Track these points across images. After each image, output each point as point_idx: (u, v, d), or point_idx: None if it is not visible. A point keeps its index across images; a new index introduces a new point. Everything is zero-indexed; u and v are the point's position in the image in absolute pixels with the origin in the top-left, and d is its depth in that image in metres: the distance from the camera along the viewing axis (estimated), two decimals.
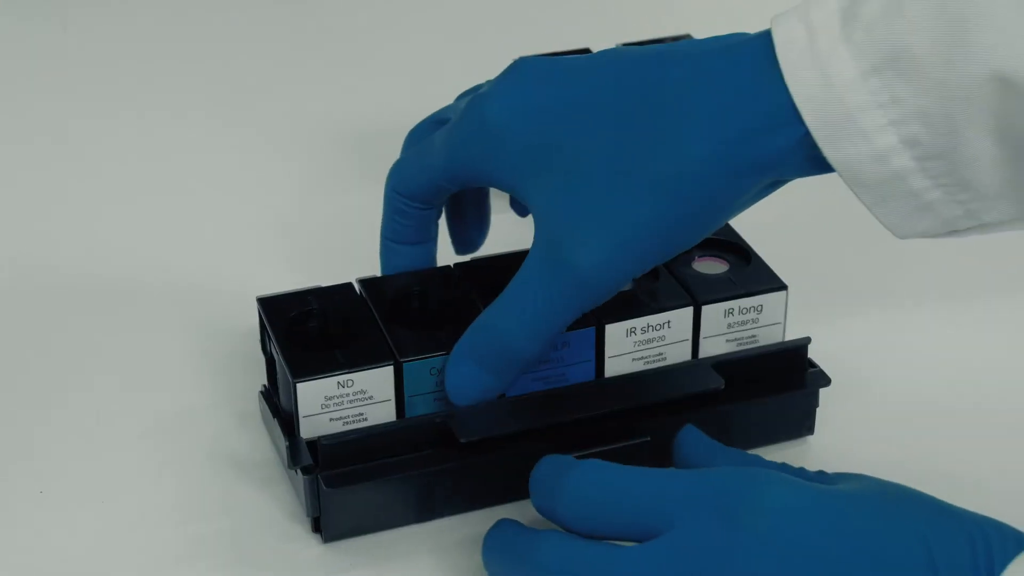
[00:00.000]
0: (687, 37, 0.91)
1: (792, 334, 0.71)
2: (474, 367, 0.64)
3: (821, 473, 0.61)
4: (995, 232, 0.62)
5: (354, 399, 0.65)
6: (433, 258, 0.71)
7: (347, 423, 0.65)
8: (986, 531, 0.54)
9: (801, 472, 0.60)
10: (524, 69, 0.65)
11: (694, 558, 0.55)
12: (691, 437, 0.63)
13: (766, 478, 0.57)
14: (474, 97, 0.66)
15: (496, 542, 0.61)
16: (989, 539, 0.54)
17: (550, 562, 0.58)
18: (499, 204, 0.75)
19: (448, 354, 0.65)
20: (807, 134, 0.59)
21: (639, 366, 0.69)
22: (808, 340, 0.70)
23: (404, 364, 0.65)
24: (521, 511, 0.65)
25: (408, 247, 0.70)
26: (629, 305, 0.69)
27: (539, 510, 0.61)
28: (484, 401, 0.65)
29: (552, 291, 0.62)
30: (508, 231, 0.76)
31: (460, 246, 0.74)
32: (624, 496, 0.58)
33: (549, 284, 0.62)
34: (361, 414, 0.65)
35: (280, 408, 0.67)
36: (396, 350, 0.65)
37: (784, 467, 0.61)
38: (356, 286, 0.70)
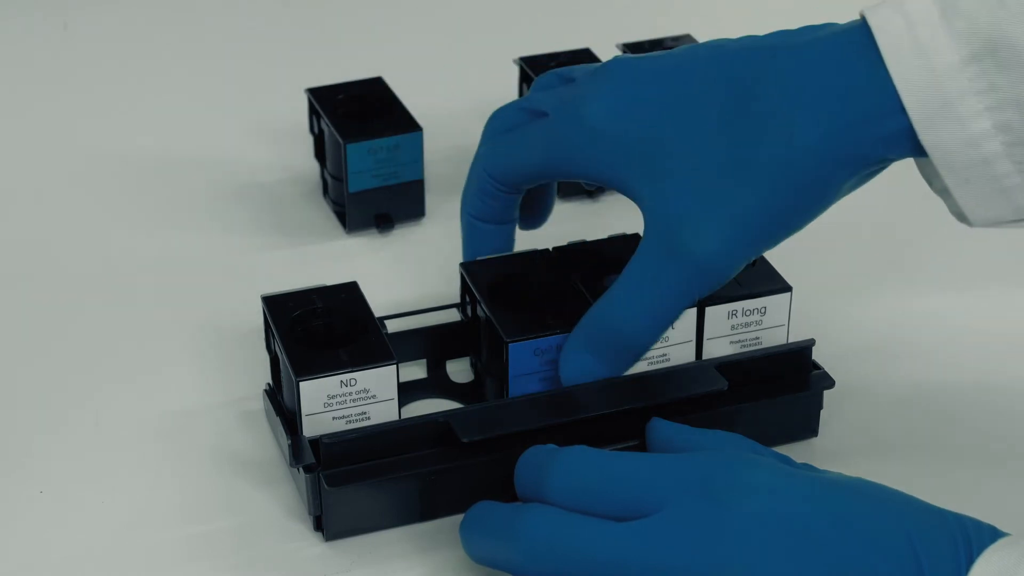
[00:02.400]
0: (687, 37, 0.91)
1: (796, 336, 0.71)
2: (589, 357, 0.67)
3: (807, 465, 0.62)
4: None
5: (357, 398, 0.65)
6: (512, 238, 0.74)
7: (350, 422, 0.65)
8: (964, 524, 0.56)
9: (786, 459, 0.62)
10: (621, 68, 0.67)
11: (683, 536, 0.57)
12: (660, 426, 0.65)
13: (751, 461, 0.59)
14: (573, 97, 0.67)
15: (477, 521, 0.63)
16: (967, 532, 0.55)
17: (536, 535, 0.59)
18: None
19: None
20: (911, 123, 0.61)
21: (643, 367, 0.69)
22: (812, 342, 0.70)
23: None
24: None
25: (491, 226, 0.72)
26: None
27: (525, 499, 0.62)
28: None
29: (669, 280, 0.65)
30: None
31: (526, 223, 0.76)
32: (613, 478, 0.60)
33: (666, 273, 0.65)
34: (364, 413, 0.65)
35: (283, 406, 0.67)
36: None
37: (755, 446, 0.63)
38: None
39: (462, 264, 0.72)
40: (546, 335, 0.68)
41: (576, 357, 0.67)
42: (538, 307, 0.69)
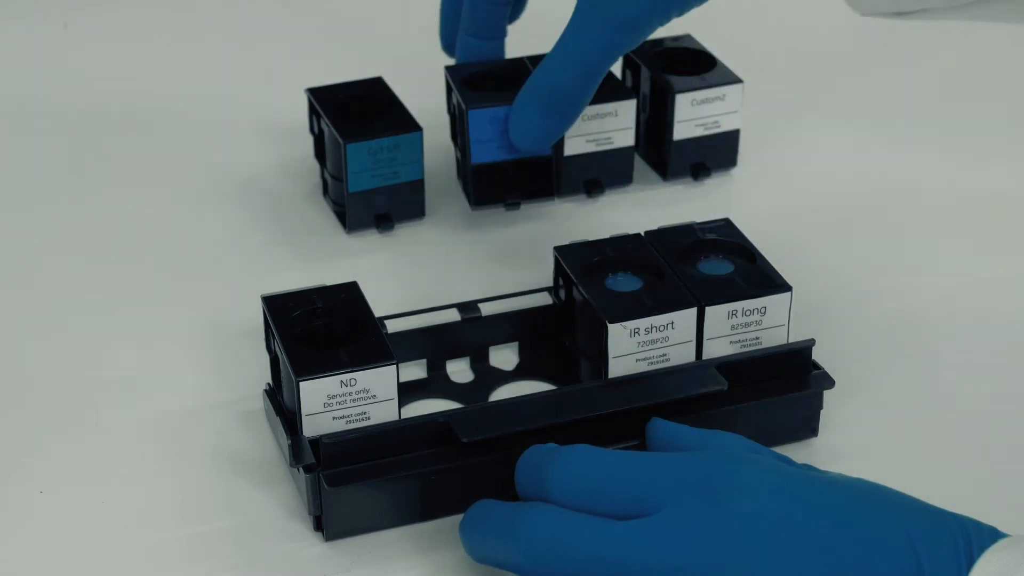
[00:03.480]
0: (687, 38, 0.91)
1: (796, 336, 0.71)
2: (536, 113, 0.77)
3: (807, 466, 0.62)
4: (936, 18, 0.68)
5: (357, 398, 0.65)
6: (503, 53, 0.85)
7: (350, 422, 0.65)
8: (965, 525, 0.56)
9: (786, 460, 0.62)
10: None
11: (684, 536, 0.57)
12: (660, 426, 0.65)
13: (752, 461, 0.59)
14: None
15: (477, 520, 0.63)
16: (968, 533, 0.55)
17: (537, 534, 0.59)
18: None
19: None
20: None
21: (643, 367, 0.69)
22: (812, 342, 0.70)
23: None
24: None
25: (482, 41, 0.84)
26: (633, 306, 0.69)
27: (526, 498, 0.62)
28: (544, 145, 0.78)
29: (595, 36, 0.74)
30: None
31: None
32: (614, 477, 0.60)
33: (596, 31, 0.74)
34: (364, 413, 0.65)
35: (283, 406, 0.67)
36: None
37: (756, 447, 0.63)
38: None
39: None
40: (502, 105, 0.78)
41: (522, 112, 0.77)
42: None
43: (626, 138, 0.86)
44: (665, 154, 0.88)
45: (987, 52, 0.88)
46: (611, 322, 0.68)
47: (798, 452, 0.69)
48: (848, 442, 0.70)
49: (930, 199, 0.88)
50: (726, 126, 0.88)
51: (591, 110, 0.84)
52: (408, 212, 0.84)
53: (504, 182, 0.81)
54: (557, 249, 0.73)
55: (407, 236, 0.84)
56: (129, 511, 0.67)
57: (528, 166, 0.81)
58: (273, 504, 0.67)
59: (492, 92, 0.81)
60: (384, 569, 0.64)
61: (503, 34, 0.84)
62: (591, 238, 0.74)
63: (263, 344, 0.70)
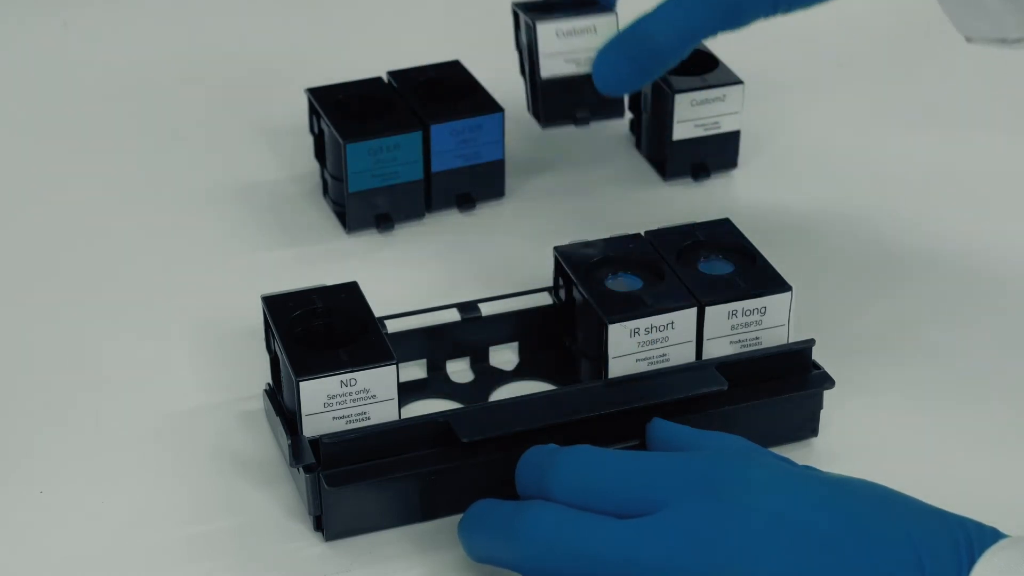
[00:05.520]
0: None
1: (796, 336, 0.71)
2: (622, 59, 0.77)
3: (809, 468, 0.62)
4: None
5: (357, 398, 0.65)
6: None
7: (350, 422, 0.65)
8: (966, 526, 0.56)
9: (786, 460, 0.62)
10: None
11: (686, 534, 0.57)
12: (660, 426, 0.65)
13: (754, 461, 0.59)
14: None
15: (477, 519, 0.63)
16: (969, 533, 0.56)
17: (537, 533, 0.59)
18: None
19: None
20: None
21: (642, 367, 0.69)
22: (812, 342, 0.70)
23: None
24: None
25: None
26: (633, 305, 0.69)
27: (527, 499, 0.62)
28: (622, 92, 0.80)
29: (701, 10, 0.75)
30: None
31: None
32: (616, 476, 0.60)
33: (699, 5, 0.75)
34: (364, 413, 0.65)
35: (283, 406, 0.67)
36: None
37: (756, 448, 0.63)
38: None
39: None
40: (467, 118, 0.83)
41: (610, 58, 0.78)
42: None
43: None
44: (665, 154, 0.88)
45: (991, 57, 0.88)
46: (611, 322, 0.68)
47: (798, 452, 0.69)
48: (848, 442, 0.70)
49: (930, 198, 0.88)
50: (726, 127, 0.88)
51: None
52: (408, 212, 0.84)
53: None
54: (557, 249, 0.73)
55: (407, 236, 0.84)
56: (129, 511, 0.67)
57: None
58: (273, 504, 0.67)
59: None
60: (384, 569, 0.64)
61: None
62: (591, 238, 0.74)
63: (263, 344, 0.70)
